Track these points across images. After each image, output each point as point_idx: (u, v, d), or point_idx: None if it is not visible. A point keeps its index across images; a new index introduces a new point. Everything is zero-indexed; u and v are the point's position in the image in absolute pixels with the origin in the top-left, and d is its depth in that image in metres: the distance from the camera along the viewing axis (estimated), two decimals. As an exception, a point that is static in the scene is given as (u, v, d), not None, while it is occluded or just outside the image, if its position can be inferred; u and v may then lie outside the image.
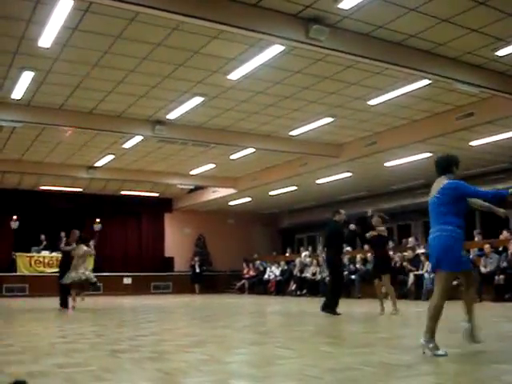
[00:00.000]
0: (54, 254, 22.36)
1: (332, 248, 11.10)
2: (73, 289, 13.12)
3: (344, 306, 11.05)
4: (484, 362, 4.89)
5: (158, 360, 5.11)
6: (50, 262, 22.07)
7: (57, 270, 21.56)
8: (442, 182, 5.56)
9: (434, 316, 5.31)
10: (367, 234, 11.02)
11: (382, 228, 10.85)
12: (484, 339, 5.60)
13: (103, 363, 4.95)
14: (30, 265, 21.80)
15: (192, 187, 23.61)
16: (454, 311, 5.96)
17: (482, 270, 14.60)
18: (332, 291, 10.94)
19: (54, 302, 13.63)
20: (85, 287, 13.83)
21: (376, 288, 11.26)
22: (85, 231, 24.43)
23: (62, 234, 22.94)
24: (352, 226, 11.53)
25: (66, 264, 13.41)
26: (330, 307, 10.51)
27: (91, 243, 14.43)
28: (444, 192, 5.47)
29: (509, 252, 14.61)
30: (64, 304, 13.19)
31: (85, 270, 13.44)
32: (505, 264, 14.31)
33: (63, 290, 13.33)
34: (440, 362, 4.94)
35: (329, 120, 14.22)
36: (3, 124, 13.38)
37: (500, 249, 15.26)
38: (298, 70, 11.08)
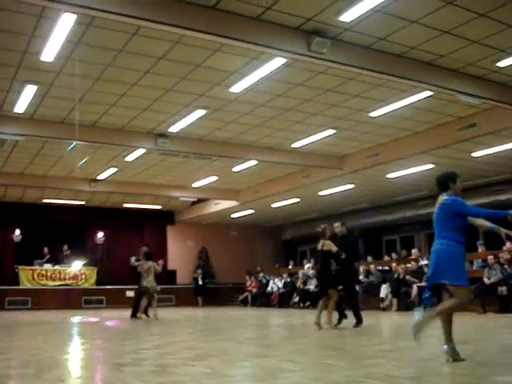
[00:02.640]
0: (56, 267, 22.39)
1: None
2: (142, 300, 14.43)
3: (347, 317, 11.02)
4: (488, 374, 4.87)
5: (161, 373, 5.08)
6: (53, 276, 22.08)
7: (60, 283, 21.82)
8: (441, 198, 5.80)
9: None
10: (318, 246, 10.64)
11: (329, 242, 10.42)
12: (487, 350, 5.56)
13: (106, 377, 4.92)
14: (33, 278, 21.77)
15: (194, 200, 23.63)
16: (457, 323, 5.92)
17: (486, 281, 14.55)
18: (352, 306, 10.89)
19: (56, 315, 13.62)
20: (151, 299, 14.68)
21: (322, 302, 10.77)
22: (88, 244, 24.72)
23: (65, 247, 23.13)
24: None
25: (137, 278, 14.82)
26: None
27: (160, 262, 15.35)
28: (442, 207, 5.73)
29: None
30: (134, 314, 14.45)
31: (147, 282, 14.39)
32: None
33: (135, 301, 14.74)
34: (444, 374, 4.91)
35: (331, 132, 14.24)
36: (6, 137, 13.40)
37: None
38: (300, 83, 11.11)
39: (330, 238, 10.64)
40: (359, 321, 10.60)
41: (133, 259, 15.22)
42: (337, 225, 11.04)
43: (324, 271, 10.68)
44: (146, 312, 14.65)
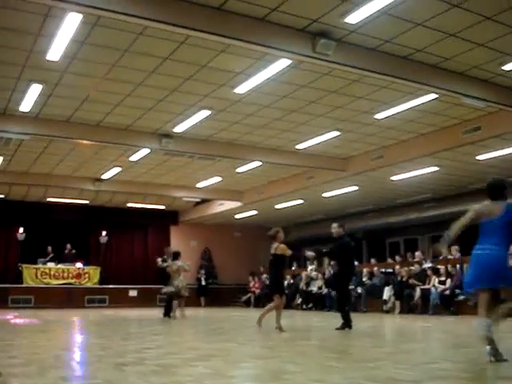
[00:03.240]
0: (60, 265, 22.44)
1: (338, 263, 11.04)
2: (174, 300, 14.53)
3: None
4: (490, 378, 4.86)
5: (163, 373, 5.09)
6: (56, 274, 22.15)
7: (63, 281, 21.89)
8: (503, 205, 5.81)
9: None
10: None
11: (283, 246, 10.13)
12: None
13: (108, 376, 4.93)
14: (36, 276, 21.84)
15: (198, 200, 23.62)
16: (461, 326, 5.91)
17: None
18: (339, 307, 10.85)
19: (59, 313, 13.64)
20: (181, 300, 14.88)
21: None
22: (91, 243, 24.75)
23: (68, 245, 23.19)
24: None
25: (163, 278, 15.12)
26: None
27: (188, 263, 15.70)
28: (508, 215, 5.72)
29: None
30: (167, 314, 14.61)
31: (179, 283, 14.51)
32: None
33: (167, 301, 14.88)
34: (446, 377, 4.90)
35: (335, 134, 14.24)
36: (11, 136, 13.44)
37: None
38: (305, 84, 11.11)
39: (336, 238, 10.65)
40: (345, 324, 10.35)
41: (159, 260, 15.48)
42: (334, 225, 10.86)
43: (275, 276, 10.48)
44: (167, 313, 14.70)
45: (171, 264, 14.72)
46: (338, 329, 10.28)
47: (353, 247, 11.03)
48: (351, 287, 18.13)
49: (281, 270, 10.46)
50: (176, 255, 14.93)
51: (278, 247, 10.11)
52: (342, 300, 11.02)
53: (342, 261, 10.79)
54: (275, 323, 10.02)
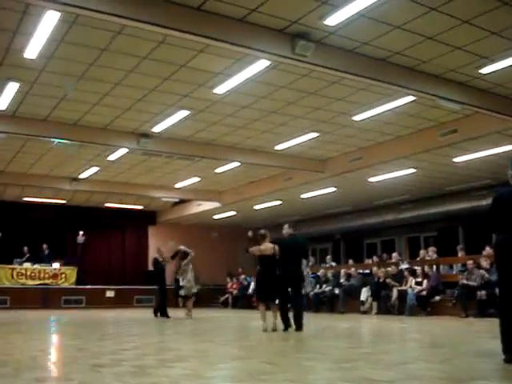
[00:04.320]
0: (36, 266, 22.19)
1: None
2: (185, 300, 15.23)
3: (327, 320, 11.02)
4: (466, 378, 4.90)
5: (140, 375, 5.06)
6: (33, 275, 21.88)
7: (39, 282, 21.62)
8: None
9: None
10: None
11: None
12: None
13: (84, 377, 4.89)
14: (12, 277, 21.55)
15: (176, 200, 23.56)
16: (436, 327, 5.96)
17: (466, 282, 14.60)
18: None
19: (35, 314, 13.51)
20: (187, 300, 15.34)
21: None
22: (68, 243, 24.51)
23: (45, 246, 22.95)
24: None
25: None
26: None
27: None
28: None
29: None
30: (160, 313, 15.10)
31: (186, 282, 15.28)
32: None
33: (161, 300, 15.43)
34: (422, 377, 4.94)
35: (314, 135, 14.30)
36: (-13, 135, 13.30)
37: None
38: (284, 85, 11.13)
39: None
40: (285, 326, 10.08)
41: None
42: (285, 226, 10.89)
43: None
44: (156, 312, 15.15)
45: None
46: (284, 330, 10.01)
47: (298, 248, 10.62)
48: (328, 288, 18.28)
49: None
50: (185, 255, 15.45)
51: (275, 248, 10.21)
52: (282, 300, 10.40)
53: (281, 261, 10.34)
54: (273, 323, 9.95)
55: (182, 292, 15.08)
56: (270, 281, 10.09)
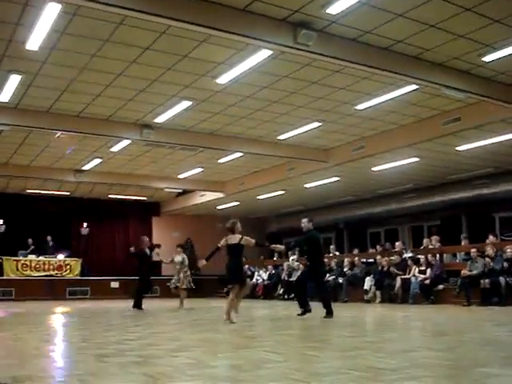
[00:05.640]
0: (40, 257, 22.26)
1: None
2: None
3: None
4: (470, 365, 4.92)
5: (144, 364, 5.08)
6: (37, 266, 21.97)
7: (44, 273, 21.70)
8: None
9: None
10: None
11: (248, 238, 10.64)
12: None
13: (89, 367, 4.92)
14: (17, 269, 21.65)
15: (180, 191, 23.58)
16: (440, 315, 5.96)
17: (468, 273, 14.64)
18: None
19: (40, 305, 13.56)
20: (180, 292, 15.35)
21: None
22: (72, 235, 24.57)
23: (49, 237, 23.00)
24: None
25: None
26: None
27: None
28: None
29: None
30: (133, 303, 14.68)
31: (179, 276, 15.44)
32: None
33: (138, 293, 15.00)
34: (427, 365, 4.96)
35: (316, 124, 14.27)
36: (-10, 127, 13.31)
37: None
38: (286, 75, 11.11)
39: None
40: (328, 312, 10.70)
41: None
42: (304, 220, 11.20)
43: (236, 264, 10.83)
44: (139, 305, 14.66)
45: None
46: (325, 317, 10.53)
47: (319, 240, 11.28)
48: (332, 277, 18.32)
49: (241, 258, 10.86)
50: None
51: (244, 239, 10.43)
52: (321, 290, 11.34)
53: (312, 254, 11.07)
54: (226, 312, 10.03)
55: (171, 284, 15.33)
56: (234, 267, 10.58)
